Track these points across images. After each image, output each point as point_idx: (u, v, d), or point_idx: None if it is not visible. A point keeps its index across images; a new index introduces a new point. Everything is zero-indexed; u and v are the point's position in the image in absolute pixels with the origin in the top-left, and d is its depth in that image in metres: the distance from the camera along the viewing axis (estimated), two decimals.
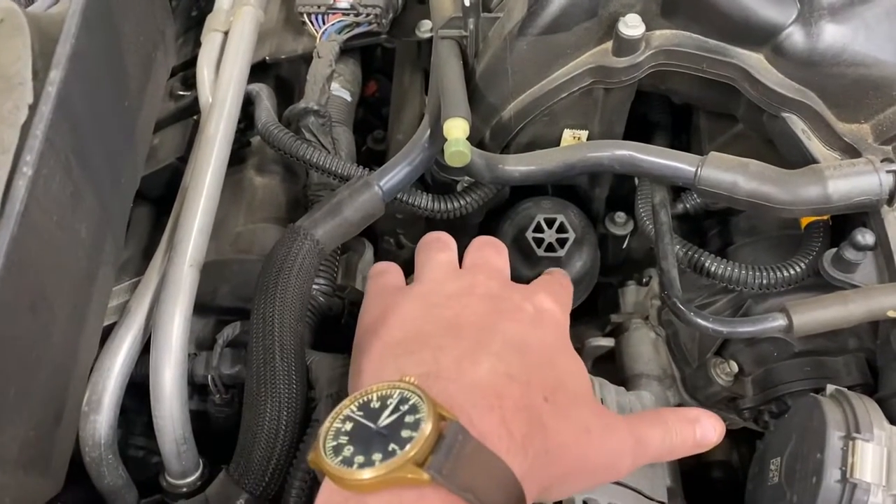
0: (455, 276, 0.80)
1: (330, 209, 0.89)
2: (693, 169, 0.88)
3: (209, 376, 0.87)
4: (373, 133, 1.26)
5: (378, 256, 1.24)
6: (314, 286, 0.95)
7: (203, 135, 0.96)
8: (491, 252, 0.84)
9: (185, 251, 0.88)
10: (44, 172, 0.56)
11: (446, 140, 0.81)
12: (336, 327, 0.99)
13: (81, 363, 0.75)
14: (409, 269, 1.22)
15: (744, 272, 0.93)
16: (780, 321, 0.82)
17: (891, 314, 0.83)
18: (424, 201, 1.00)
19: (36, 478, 0.64)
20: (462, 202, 1.02)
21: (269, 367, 0.81)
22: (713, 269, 0.95)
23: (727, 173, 0.87)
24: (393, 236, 1.19)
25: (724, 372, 0.99)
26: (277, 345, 0.84)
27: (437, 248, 0.85)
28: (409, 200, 0.99)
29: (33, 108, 0.60)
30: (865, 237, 0.87)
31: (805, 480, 0.72)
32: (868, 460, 0.76)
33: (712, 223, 1.13)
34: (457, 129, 0.82)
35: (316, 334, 0.95)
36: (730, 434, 0.94)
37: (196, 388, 0.92)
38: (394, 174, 0.92)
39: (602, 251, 1.14)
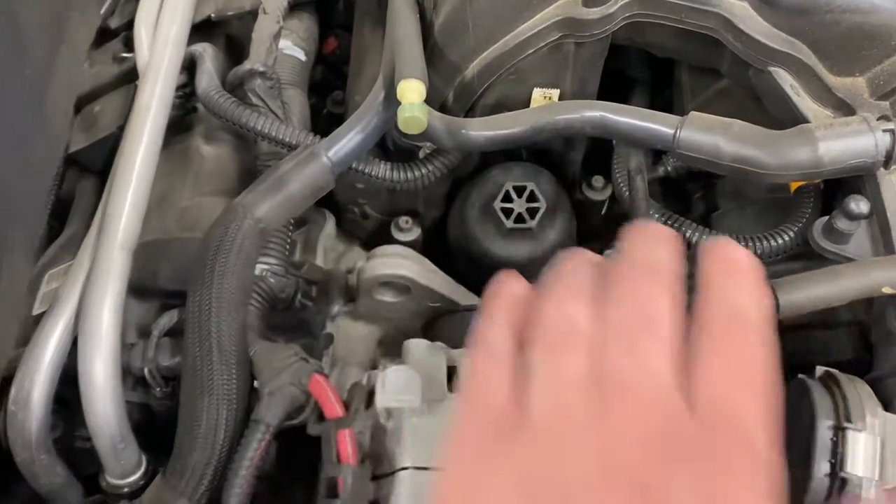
0: (585, 414, 0.40)
1: (272, 184, 0.81)
2: (671, 131, 0.82)
3: (146, 369, 0.79)
4: (332, 94, 1.17)
5: (342, 228, 1.21)
6: (263, 266, 0.90)
7: (137, 102, 0.87)
8: (652, 295, 0.42)
9: (115, 232, 0.80)
10: None
11: (400, 104, 0.75)
12: (289, 308, 0.93)
13: None
14: (375, 241, 1.16)
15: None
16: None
17: (887, 290, 0.75)
18: (382, 171, 0.93)
19: None
20: (424, 171, 0.95)
21: (206, 361, 0.75)
22: (694, 240, 0.90)
23: (708, 135, 0.81)
24: (357, 206, 1.11)
25: None
26: (214, 336, 0.78)
27: (562, 335, 0.43)
28: (365, 170, 0.93)
29: None
30: (859, 205, 0.80)
31: (792, 471, 0.65)
32: (860, 452, 0.69)
33: (696, 186, 1.08)
34: (411, 92, 0.74)
35: (266, 319, 0.88)
36: None
37: (137, 379, 0.84)
38: (344, 143, 0.85)
39: (579, 218, 1.09)
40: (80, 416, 0.95)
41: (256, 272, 0.89)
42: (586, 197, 1.12)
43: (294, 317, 0.95)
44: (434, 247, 1.17)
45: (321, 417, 0.74)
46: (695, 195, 1.08)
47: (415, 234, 1.15)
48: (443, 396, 0.75)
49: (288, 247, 0.98)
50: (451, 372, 0.78)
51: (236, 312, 0.78)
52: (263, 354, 0.78)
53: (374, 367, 1.12)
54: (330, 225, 1.12)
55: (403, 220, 1.15)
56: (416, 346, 0.79)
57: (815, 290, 0.74)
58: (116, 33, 1.25)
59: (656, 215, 0.90)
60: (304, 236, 1.08)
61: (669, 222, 0.91)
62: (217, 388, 0.74)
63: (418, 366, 0.77)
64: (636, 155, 0.91)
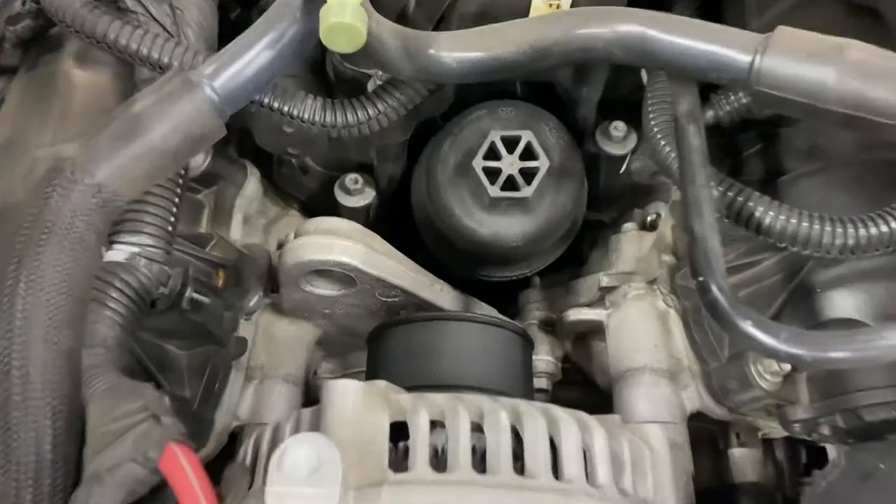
0: None
1: (121, 130, 0.56)
2: (747, 58, 0.60)
3: None
4: (259, 3, 0.88)
5: (274, 185, 0.97)
6: (129, 248, 0.66)
7: None
8: None
9: None
10: None
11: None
12: (174, 309, 0.71)
13: None
14: (320, 204, 0.97)
15: (816, 227, 0.66)
16: None
17: None
18: (310, 110, 0.72)
19: None
20: (371, 111, 0.73)
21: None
22: (767, 222, 0.67)
23: (810, 64, 0.58)
24: (294, 157, 0.92)
25: (768, 370, 0.73)
26: (17, 372, 0.52)
27: None
28: (284, 108, 0.72)
29: None
30: None
31: None
32: None
33: (750, 138, 0.86)
34: None
35: (131, 327, 0.65)
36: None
37: None
38: (239, 66, 0.62)
39: (591, 178, 0.92)
40: None
41: (121, 258, 0.67)
42: (601, 150, 0.91)
43: (186, 320, 0.74)
44: (396, 213, 0.96)
45: None
46: (748, 150, 0.86)
47: (366, 197, 0.91)
48: (381, 479, 0.51)
49: (174, 218, 0.72)
50: (399, 432, 0.54)
51: (59, 331, 0.55)
52: (97, 405, 0.49)
53: (307, 380, 0.84)
54: (252, 183, 0.90)
55: (351, 180, 0.89)
56: (342, 393, 0.53)
57: None
58: None
59: (713, 184, 0.66)
60: (212, 199, 0.87)
61: (731, 194, 0.68)
62: (16, 459, 0.51)
63: (343, 428, 0.53)
64: (688, 93, 0.67)
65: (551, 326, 0.89)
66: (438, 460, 0.53)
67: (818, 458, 0.94)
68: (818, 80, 0.58)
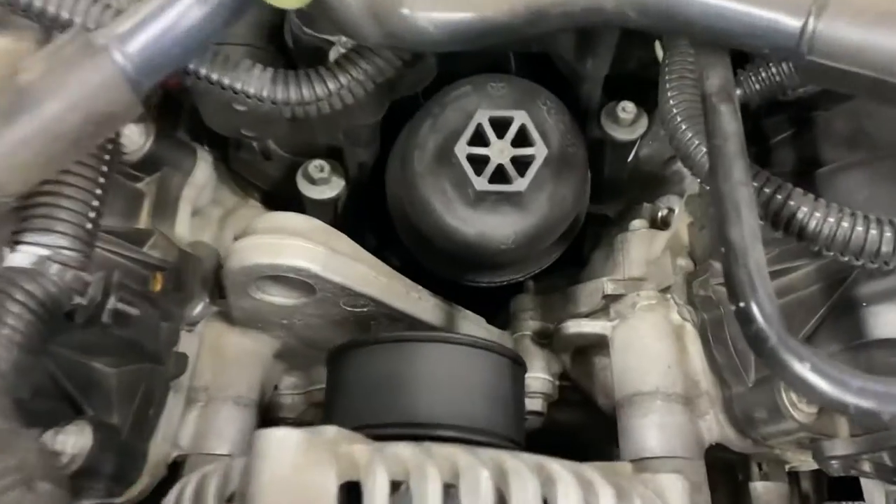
0: None
1: (2, 109, 0.43)
2: (797, 21, 0.50)
3: None
4: None
5: (232, 172, 0.87)
6: (36, 251, 0.56)
7: None
8: None
9: None
10: None
11: None
12: (94, 323, 0.61)
13: None
14: (285, 193, 0.87)
15: (874, 233, 0.55)
16: None
17: None
18: (256, 83, 0.61)
19: None
20: (331, 85, 0.62)
21: None
22: (813, 226, 0.56)
23: (879, 29, 0.49)
24: (255, 141, 0.81)
25: (803, 400, 0.65)
26: None
27: None
28: (225, 81, 0.60)
29: None
30: None
31: None
32: None
33: (781, 122, 0.76)
34: None
35: (36, 345, 0.55)
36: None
37: None
38: (159, 27, 0.51)
39: (594, 167, 0.83)
40: None
41: (26, 262, 0.57)
42: (607, 135, 0.82)
43: (111, 333, 0.63)
44: (369, 208, 0.86)
45: None
46: (777, 136, 0.76)
47: (333, 188, 0.80)
48: None
49: (94, 212, 0.60)
50: (354, 494, 0.43)
51: None
52: None
53: (263, 400, 0.73)
54: (202, 169, 0.79)
55: (315, 167, 0.79)
56: (277, 447, 0.41)
57: None
58: None
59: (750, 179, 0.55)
60: (155, 187, 0.76)
61: (768, 190, 0.57)
62: None
63: (277, 493, 0.41)
64: (721, 66, 0.56)
65: (547, 339, 0.80)
66: None
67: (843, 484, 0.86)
68: (889, 48, 0.48)
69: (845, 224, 0.56)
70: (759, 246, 0.48)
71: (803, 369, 0.43)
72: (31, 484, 0.41)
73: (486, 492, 0.43)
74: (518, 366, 0.60)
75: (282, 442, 0.43)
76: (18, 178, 0.48)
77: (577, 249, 0.89)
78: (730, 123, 0.53)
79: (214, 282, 0.73)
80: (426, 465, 0.43)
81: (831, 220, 0.56)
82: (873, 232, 0.55)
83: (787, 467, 0.78)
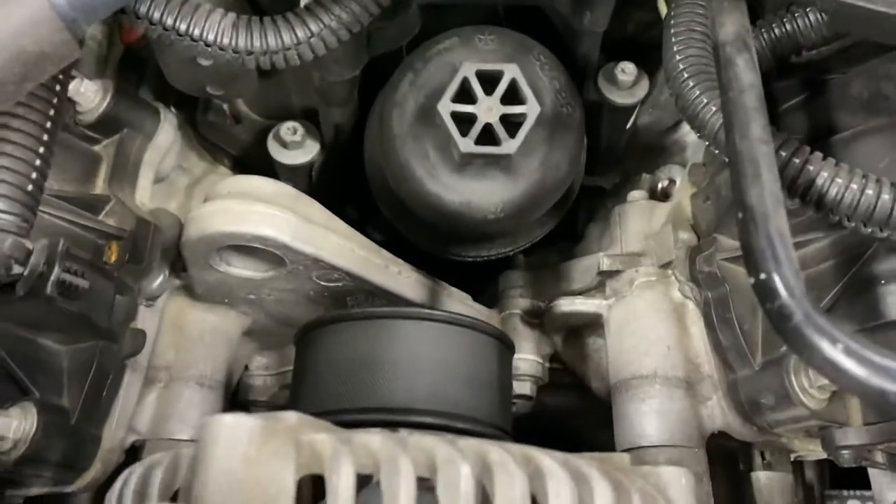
0: None
1: None
2: None
3: None
4: None
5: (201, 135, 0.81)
6: None
7: None
8: None
9: None
10: None
11: None
12: (38, 296, 0.56)
13: None
14: (256, 159, 0.80)
15: None
16: None
17: None
18: (215, 29, 0.56)
19: None
20: (301, 33, 0.57)
21: None
22: (834, 193, 0.51)
23: None
24: (225, 101, 0.76)
25: (816, 383, 0.60)
26: None
27: None
28: (181, 26, 0.55)
29: None
30: None
31: None
32: None
33: (793, 86, 0.70)
34: None
35: None
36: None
37: None
38: None
39: (590, 133, 0.77)
40: None
41: None
42: (604, 98, 0.77)
43: (56, 308, 0.58)
44: (350, 173, 0.79)
45: None
46: (789, 100, 0.70)
47: (307, 152, 0.74)
48: None
49: (37, 173, 0.56)
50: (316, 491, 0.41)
51: None
52: None
53: (231, 381, 0.68)
54: (166, 131, 0.73)
55: (287, 129, 0.73)
56: (227, 436, 0.36)
57: None
58: None
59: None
60: (114, 150, 0.70)
61: (785, 153, 0.52)
62: None
63: (227, 488, 0.36)
64: (737, 11, 0.50)
65: (537, 318, 0.75)
66: None
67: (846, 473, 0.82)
68: None
69: (870, 191, 0.51)
70: (781, 210, 0.42)
71: (835, 351, 0.37)
72: None
73: (466, 488, 0.38)
74: (505, 346, 0.55)
75: (232, 430, 0.38)
76: None
77: (571, 222, 0.84)
78: (747, 75, 0.47)
79: (177, 253, 0.67)
80: (399, 457, 0.38)
81: (854, 186, 0.51)
82: None
83: (792, 457, 0.73)
